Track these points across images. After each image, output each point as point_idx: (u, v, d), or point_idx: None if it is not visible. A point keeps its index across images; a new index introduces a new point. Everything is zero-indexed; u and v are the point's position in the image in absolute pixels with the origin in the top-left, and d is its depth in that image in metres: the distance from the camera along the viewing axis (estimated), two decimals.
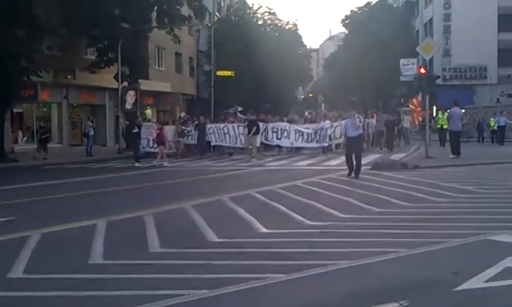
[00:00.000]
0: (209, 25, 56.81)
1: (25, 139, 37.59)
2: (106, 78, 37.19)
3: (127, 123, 32.11)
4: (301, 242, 9.09)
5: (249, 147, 28.21)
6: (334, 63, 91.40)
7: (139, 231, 10.10)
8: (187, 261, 7.94)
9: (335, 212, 11.73)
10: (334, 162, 23.89)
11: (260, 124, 29.86)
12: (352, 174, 18.23)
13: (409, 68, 47.92)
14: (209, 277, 7.13)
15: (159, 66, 50.59)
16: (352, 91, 71.38)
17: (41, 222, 11.15)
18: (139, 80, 37.88)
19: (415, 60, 47.13)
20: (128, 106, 35.48)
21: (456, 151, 24.87)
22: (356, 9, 77.58)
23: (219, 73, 52.33)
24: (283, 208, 12.34)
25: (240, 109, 43.99)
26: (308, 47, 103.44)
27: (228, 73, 52.13)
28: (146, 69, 40.21)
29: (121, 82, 35.77)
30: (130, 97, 35.84)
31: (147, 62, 40.25)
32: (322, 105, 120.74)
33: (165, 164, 25.94)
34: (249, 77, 55.71)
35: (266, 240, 9.36)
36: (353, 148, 18.77)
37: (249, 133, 28.33)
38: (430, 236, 9.18)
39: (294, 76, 78.09)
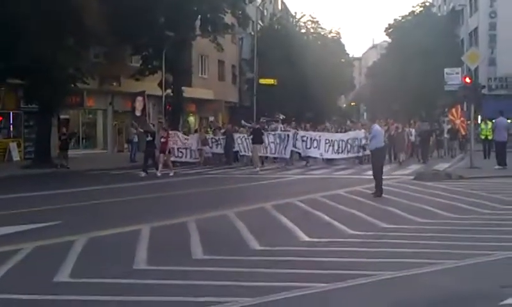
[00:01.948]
0: (252, 33, 57.01)
1: (71, 144, 38.05)
2: (150, 85, 37.61)
3: (141, 130, 28.30)
4: (344, 251, 9.03)
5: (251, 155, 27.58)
6: (377, 72, 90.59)
7: (183, 238, 10.17)
8: (229, 269, 7.97)
9: (378, 222, 11.64)
10: None
11: (290, 133, 29.61)
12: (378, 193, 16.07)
13: (454, 77, 47.24)
14: (252, 285, 7.13)
15: (202, 74, 51.01)
16: (394, 100, 70.62)
17: (87, 226, 11.35)
18: (183, 88, 38.23)
19: (459, 69, 46.45)
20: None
21: (501, 162, 24.38)
22: (400, 18, 76.69)
23: (262, 81, 52.48)
24: (326, 217, 12.28)
25: (282, 117, 44.04)
26: (350, 56, 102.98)
27: (271, 81, 52.26)
28: (189, 76, 40.60)
29: (165, 90, 36.11)
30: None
31: (191, 70, 40.61)
32: (365, 114, 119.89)
33: (171, 174, 24.12)
34: (292, 86, 55.65)
35: (309, 248, 9.33)
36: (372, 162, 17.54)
37: (252, 142, 27.17)
38: (476, 248, 9.02)
39: (336, 84, 77.71)
